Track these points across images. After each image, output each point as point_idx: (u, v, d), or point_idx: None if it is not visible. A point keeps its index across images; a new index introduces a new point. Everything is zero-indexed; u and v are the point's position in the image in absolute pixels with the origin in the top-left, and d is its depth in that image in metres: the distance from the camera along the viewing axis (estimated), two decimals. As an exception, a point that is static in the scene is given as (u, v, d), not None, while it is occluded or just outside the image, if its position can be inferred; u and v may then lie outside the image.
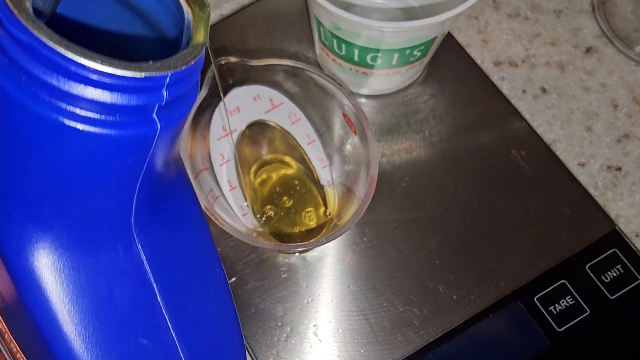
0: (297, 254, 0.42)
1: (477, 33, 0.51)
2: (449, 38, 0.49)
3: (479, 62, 0.49)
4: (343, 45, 0.41)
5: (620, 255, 0.42)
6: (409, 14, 0.48)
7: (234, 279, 0.42)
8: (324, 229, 0.40)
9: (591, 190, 0.45)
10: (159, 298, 0.25)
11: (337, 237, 0.34)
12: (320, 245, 0.34)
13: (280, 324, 0.41)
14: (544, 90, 0.49)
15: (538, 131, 0.47)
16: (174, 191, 0.27)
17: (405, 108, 0.47)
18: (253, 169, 0.42)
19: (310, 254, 0.42)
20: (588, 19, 0.51)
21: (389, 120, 0.47)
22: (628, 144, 0.47)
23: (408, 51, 0.40)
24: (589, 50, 0.50)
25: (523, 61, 0.50)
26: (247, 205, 0.40)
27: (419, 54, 0.41)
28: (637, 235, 0.44)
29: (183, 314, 0.26)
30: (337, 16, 0.37)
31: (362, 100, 0.47)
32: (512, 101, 0.48)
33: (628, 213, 0.45)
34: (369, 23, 0.36)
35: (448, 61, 0.48)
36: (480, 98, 0.47)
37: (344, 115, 0.37)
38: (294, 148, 0.41)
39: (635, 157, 0.47)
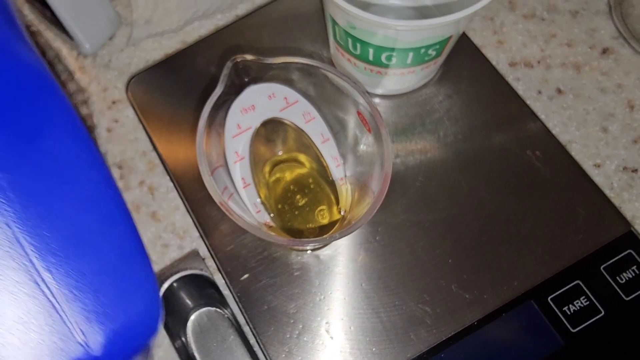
0: (309, 251, 0.43)
1: (493, 34, 0.51)
2: (464, 39, 0.49)
3: (494, 62, 0.49)
4: (358, 45, 0.41)
5: (635, 256, 0.41)
6: (424, 13, 0.48)
7: (246, 275, 0.42)
8: (337, 226, 0.41)
9: (607, 191, 0.45)
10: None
11: (350, 233, 0.34)
12: (334, 240, 0.34)
13: (292, 321, 0.41)
14: (559, 91, 0.49)
15: (553, 132, 0.46)
16: None
17: (420, 108, 0.47)
18: (267, 167, 0.42)
19: (322, 252, 0.43)
20: (605, 19, 0.51)
21: (403, 120, 0.47)
22: (644, 146, 0.47)
23: (423, 50, 0.40)
24: (605, 51, 0.50)
25: (539, 62, 0.50)
26: (261, 203, 0.40)
27: (433, 53, 0.41)
28: (655, 238, 0.44)
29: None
30: (353, 15, 0.37)
31: (377, 100, 0.47)
32: (528, 102, 0.47)
33: (644, 215, 0.45)
34: (384, 22, 0.37)
35: (463, 62, 0.48)
36: (496, 98, 0.47)
37: (359, 113, 0.37)
38: (308, 146, 0.41)
39: (651, 159, 0.46)
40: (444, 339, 0.40)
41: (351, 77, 0.38)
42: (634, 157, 0.47)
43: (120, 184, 0.48)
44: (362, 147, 0.40)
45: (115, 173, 0.48)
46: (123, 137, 0.49)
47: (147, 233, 0.46)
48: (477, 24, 0.52)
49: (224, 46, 0.50)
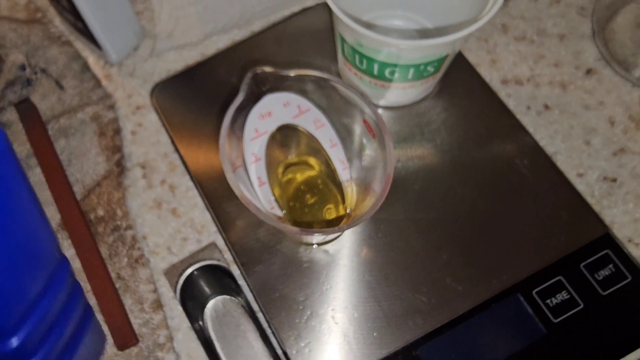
0: (315, 246, 0.47)
1: (486, 54, 0.56)
2: (460, 58, 0.53)
3: (487, 80, 0.54)
4: (364, 60, 0.45)
5: (612, 256, 0.45)
6: (424, 34, 0.53)
7: (259, 266, 0.46)
8: (342, 222, 0.45)
9: (588, 198, 0.49)
10: None
11: (355, 226, 0.38)
12: (340, 232, 0.38)
13: (301, 307, 0.45)
14: (546, 107, 0.53)
15: (541, 144, 0.51)
16: None
17: (419, 119, 0.51)
18: (280, 168, 0.47)
19: (329, 247, 0.47)
20: (589, 43, 0.56)
21: (404, 129, 0.51)
22: (623, 157, 0.51)
23: (422, 67, 0.44)
24: (589, 71, 0.55)
25: (528, 80, 0.55)
26: (275, 200, 0.45)
27: (432, 69, 0.45)
28: (629, 240, 0.48)
29: None
30: (360, 34, 0.41)
31: (380, 110, 0.52)
32: (517, 116, 0.52)
33: (621, 219, 0.49)
34: (388, 41, 0.41)
35: (459, 78, 0.53)
36: (488, 112, 0.51)
37: (365, 121, 0.42)
38: (318, 151, 0.46)
39: (629, 169, 0.51)
40: (438, 326, 0.44)
41: (358, 89, 0.42)
42: (613, 168, 0.51)
43: (143, 183, 0.52)
44: (367, 152, 0.44)
45: (139, 172, 0.52)
46: (146, 140, 0.53)
47: (168, 228, 0.50)
48: (472, 44, 0.56)
49: (240, 59, 0.54)
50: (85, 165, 0.52)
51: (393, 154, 0.39)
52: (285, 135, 0.45)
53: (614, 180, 0.51)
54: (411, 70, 0.45)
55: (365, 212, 0.38)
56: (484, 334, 0.44)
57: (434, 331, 0.44)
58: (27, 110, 0.52)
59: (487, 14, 0.42)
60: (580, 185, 0.50)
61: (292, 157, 0.47)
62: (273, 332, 0.45)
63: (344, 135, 0.45)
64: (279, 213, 0.45)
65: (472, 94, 0.52)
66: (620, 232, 0.49)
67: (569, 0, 0.58)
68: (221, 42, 0.57)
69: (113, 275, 0.48)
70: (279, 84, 0.42)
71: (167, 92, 0.53)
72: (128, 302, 0.48)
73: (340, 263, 0.46)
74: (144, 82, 0.56)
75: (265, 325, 0.46)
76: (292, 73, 0.42)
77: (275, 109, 0.43)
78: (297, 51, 0.54)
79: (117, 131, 0.53)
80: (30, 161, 0.52)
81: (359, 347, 0.44)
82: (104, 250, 0.49)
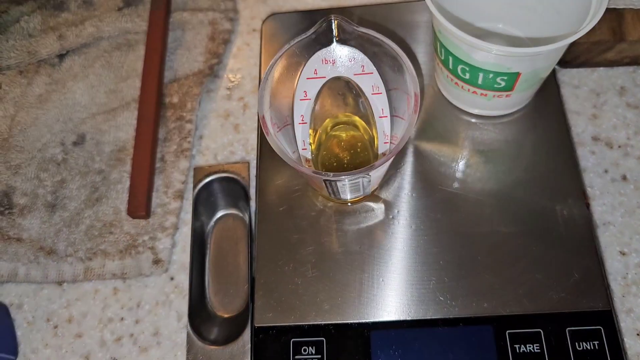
0: (348, 203, 0.49)
1: (592, 107, 0.54)
2: (556, 101, 0.52)
3: (579, 130, 0.52)
4: (443, 50, 0.46)
5: (603, 334, 0.42)
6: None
7: (273, 196, 0.49)
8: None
9: (618, 278, 0.46)
10: None
11: (349, 177, 0.39)
12: (351, 177, 0.39)
13: (288, 248, 0.47)
14: (624, 178, 0.50)
15: (599, 208, 0.49)
16: None
17: (481, 133, 0.51)
18: (329, 123, 0.49)
19: (344, 209, 0.48)
20: None
21: (461, 133, 0.51)
22: (679, 257, 0.48)
23: (491, 75, 0.44)
24: (689, 163, 0.51)
25: (620, 146, 0.52)
26: (310, 143, 0.47)
27: (502, 83, 0.45)
28: (638, 334, 0.45)
29: None
30: (434, 16, 0.42)
31: (453, 110, 0.52)
32: (590, 175, 0.50)
33: (642, 312, 0.46)
34: (447, 26, 0.41)
35: (543, 118, 0.51)
36: (554, 161, 0.49)
37: (408, 97, 0.42)
38: (367, 115, 0.47)
39: (679, 270, 0.47)
40: (399, 319, 0.44)
41: (411, 68, 0.42)
42: (662, 262, 0.47)
43: (224, 93, 0.57)
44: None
45: (225, 83, 0.57)
46: (245, 59, 0.58)
47: (224, 138, 0.54)
48: (583, 93, 0.54)
49: (363, 19, 0.56)
50: (185, 58, 0.57)
51: (412, 131, 0.40)
52: (341, 88, 0.47)
53: (656, 273, 0.47)
54: (480, 75, 0.45)
55: (363, 169, 0.39)
56: (440, 347, 0.43)
57: (393, 322, 0.44)
58: (161, -5, 0.59)
59: (558, 44, 0.40)
60: (617, 263, 0.47)
61: (342, 113, 0.49)
62: (253, 262, 0.47)
63: (398, 111, 0.46)
64: (308, 156, 0.47)
65: (547, 140, 0.50)
66: (634, 322, 0.45)
67: None
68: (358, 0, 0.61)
69: (159, 155, 0.53)
70: (351, 38, 0.44)
71: (277, 25, 0.57)
72: (158, 182, 0.52)
73: (344, 225, 0.48)
74: (275, 12, 0.60)
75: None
76: (365, 30, 0.43)
77: (340, 60, 0.46)
78: (411, 33, 0.56)
79: (225, 42, 0.58)
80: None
81: (319, 304, 0.45)
82: (162, 133, 0.54)
